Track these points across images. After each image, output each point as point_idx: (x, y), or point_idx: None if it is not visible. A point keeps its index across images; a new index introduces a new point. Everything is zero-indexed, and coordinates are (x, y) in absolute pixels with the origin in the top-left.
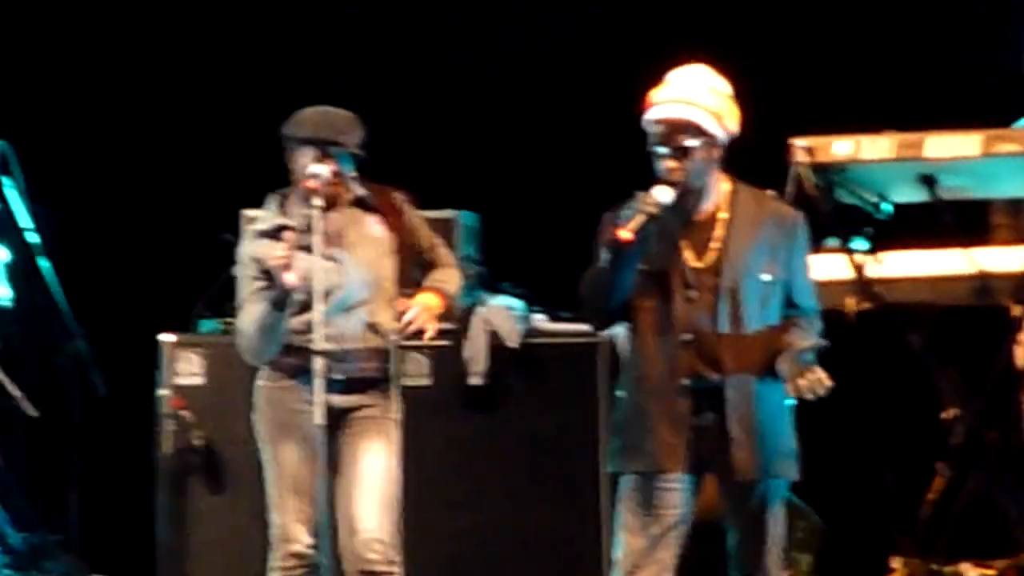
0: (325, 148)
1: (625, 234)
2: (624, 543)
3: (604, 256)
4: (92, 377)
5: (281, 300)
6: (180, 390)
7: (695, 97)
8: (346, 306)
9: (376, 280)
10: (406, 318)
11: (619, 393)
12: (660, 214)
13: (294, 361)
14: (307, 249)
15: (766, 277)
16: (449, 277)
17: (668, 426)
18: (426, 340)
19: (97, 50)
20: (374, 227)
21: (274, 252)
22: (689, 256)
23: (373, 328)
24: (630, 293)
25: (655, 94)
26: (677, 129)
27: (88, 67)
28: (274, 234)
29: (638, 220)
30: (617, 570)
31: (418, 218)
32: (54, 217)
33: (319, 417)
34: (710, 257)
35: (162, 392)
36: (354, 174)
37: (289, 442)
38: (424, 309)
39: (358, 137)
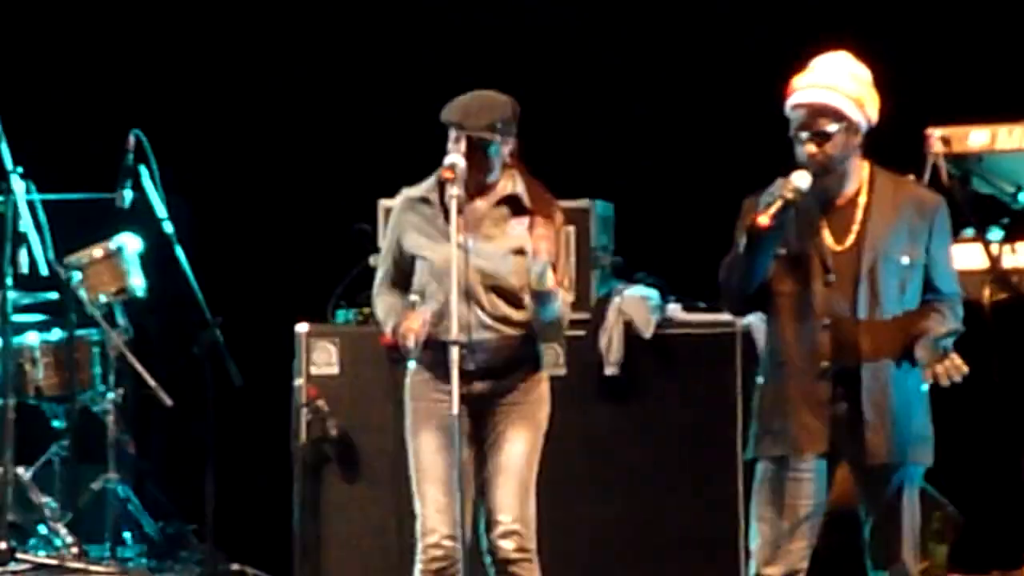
0: (458, 131)
1: (763, 219)
2: (759, 533)
3: (742, 242)
4: (228, 367)
5: (398, 358)
6: (316, 380)
7: (836, 83)
8: (470, 297)
9: (496, 278)
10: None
11: (758, 379)
12: (798, 199)
13: (428, 352)
14: (444, 234)
15: (905, 260)
16: (567, 299)
17: (808, 410)
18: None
19: (234, 38)
20: (515, 227)
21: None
22: (828, 240)
23: (498, 319)
24: (768, 278)
25: (797, 80)
26: (818, 114)
27: (225, 56)
28: (416, 204)
29: (777, 205)
30: (753, 561)
31: (566, 243)
32: (191, 206)
33: (455, 407)
34: (849, 241)
35: (298, 382)
36: (497, 160)
37: (427, 433)
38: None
39: (493, 120)
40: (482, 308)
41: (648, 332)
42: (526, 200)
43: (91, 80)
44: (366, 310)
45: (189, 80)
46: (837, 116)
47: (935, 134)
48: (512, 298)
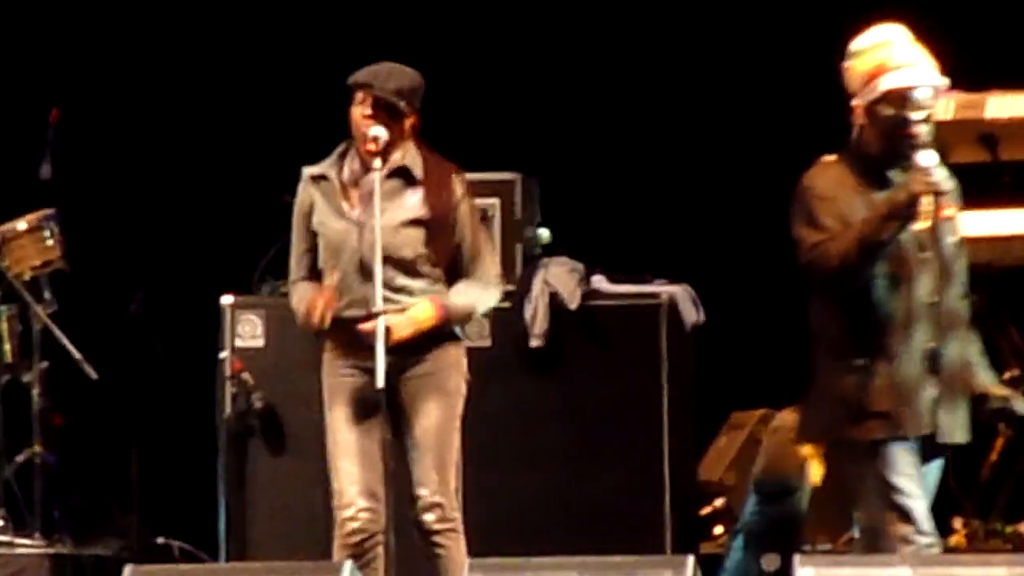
0: (363, 91)
1: (950, 212)
2: (913, 508)
3: (868, 230)
4: (153, 340)
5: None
6: (241, 352)
7: (931, 62)
8: (369, 271)
9: (397, 249)
10: (387, 324)
11: (857, 362)
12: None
13: (333, 329)
14: (341, 210)
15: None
16: (472, 292)
17: (918, 391)
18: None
19: (157, 6)
20: (411, 198)
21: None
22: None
23: (396, 290)
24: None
25: (898, 58)
26: (934, 93)
27: (146, 28)
28: (317, 181)
29: (938, 197)
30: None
31: (470, 213)
32: (115, 180)
33: (379, 381)
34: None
35: (223, 354)
36: (402, 130)
37: (338, 407)
38: (408, 323)
39: (400, 85)
40: (382, 282)
41: (573, 304)
42: (418, 172)
43: (6, 56)
44: None
45: (112, 51)
46: (938, 93)
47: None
48: (410, 269)
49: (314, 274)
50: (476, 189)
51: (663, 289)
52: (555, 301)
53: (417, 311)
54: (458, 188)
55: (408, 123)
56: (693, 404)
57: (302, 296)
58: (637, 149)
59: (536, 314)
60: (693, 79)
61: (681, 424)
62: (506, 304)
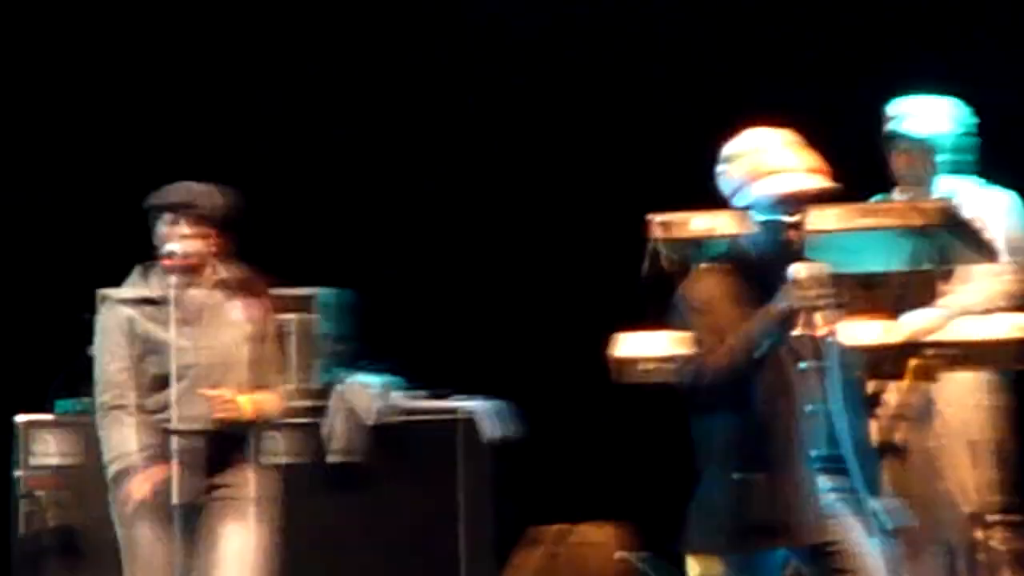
0: (178, 213)
1: (824, 331)
2: None
3: (755, 329)
4: None
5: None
6: (36, 471)
7: (819, 165)
8: (199, 387)
9: (228, 364)
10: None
11: (734, 475)
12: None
13: (156, 440)
14: (169, 323)
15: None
16: (271, 401)
17: (799, 501)
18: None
19: None
20: (235, 311)
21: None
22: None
23: (233, 406)
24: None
25: (776, 162)
26: (810, 199)
27: None
28: (136, 303)
29: (822, 309)
30: None
31: (277, 325)
32: None
33: (175, 497)
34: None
35: (17, 473)
36: (219, 249)
37: (145, 523)
38: (237, 407)
39: (215, 205)
40: (199, 397)
41: (370, 419)
42: (237, 284)
43: None
44: (87, 399)
45: None
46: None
47: (655, 219)
48: (241, 384)
49: (127, 402)
50: (279, 304)
51: (461, 405)
52: (353, 417)
53: (249, 402)
54: (271, 301)
55: (223, 240)
56: (492, 519)
57: (120, 444)
58: (444, 261)
59: (334, 430)
60: (491, 200)
61: (479, 540)
62: (306, 420)
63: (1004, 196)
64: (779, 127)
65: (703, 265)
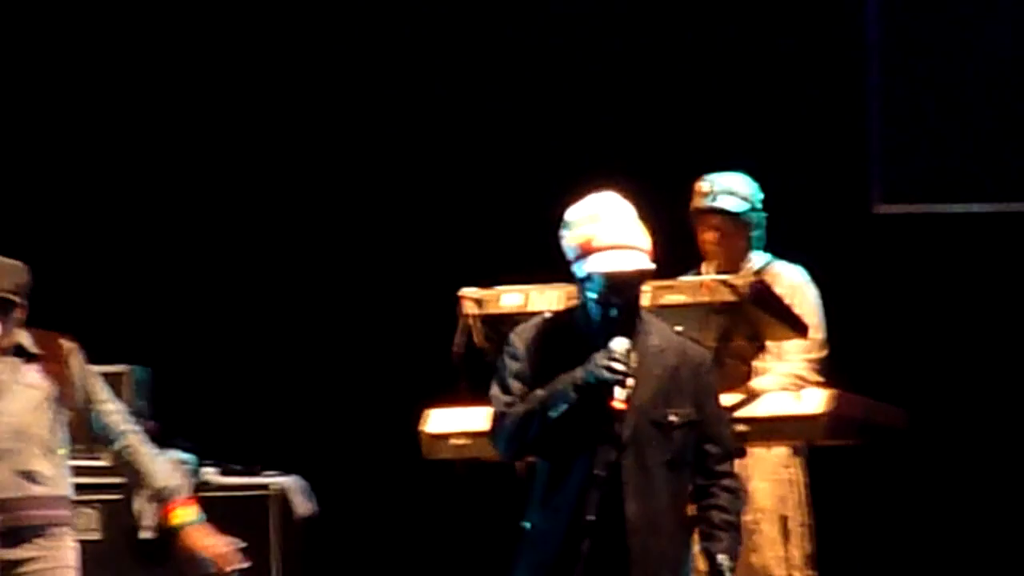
0: None
1: (620, 405)
2: None
3: (548, 401)
4: None
5: None
6: None
7: (644, 244)
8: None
9: (26, 430)
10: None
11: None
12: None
13: None
14: None
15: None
16: (150, 457)
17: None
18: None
19: None
20: (32, 375)
21: None
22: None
23: (29, 476)
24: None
25: (598, 238)
26: (639, 280)
27: None
28: None
29: (623, 384)
30: None
31: (86, 367)
32: None
33: None
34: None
35: None
36: (14, 320)
37: None
38: (205, 531)
39: (13, 282)
40: (8, 467)
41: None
42: (34, 348)
43: None
44: None
45: None
46: (646, 279)
47: (469, 295)
48: (43, 452)
49: None
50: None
51: (273, 480)
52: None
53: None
54: (72, 360)
55: (18, 314)
56: None
57: None
58: (248, 341)
59: (145, 506)
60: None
61: None
62: (118, 496)
63: (800, 270)
64: (616, 192)
65: (546, 313)
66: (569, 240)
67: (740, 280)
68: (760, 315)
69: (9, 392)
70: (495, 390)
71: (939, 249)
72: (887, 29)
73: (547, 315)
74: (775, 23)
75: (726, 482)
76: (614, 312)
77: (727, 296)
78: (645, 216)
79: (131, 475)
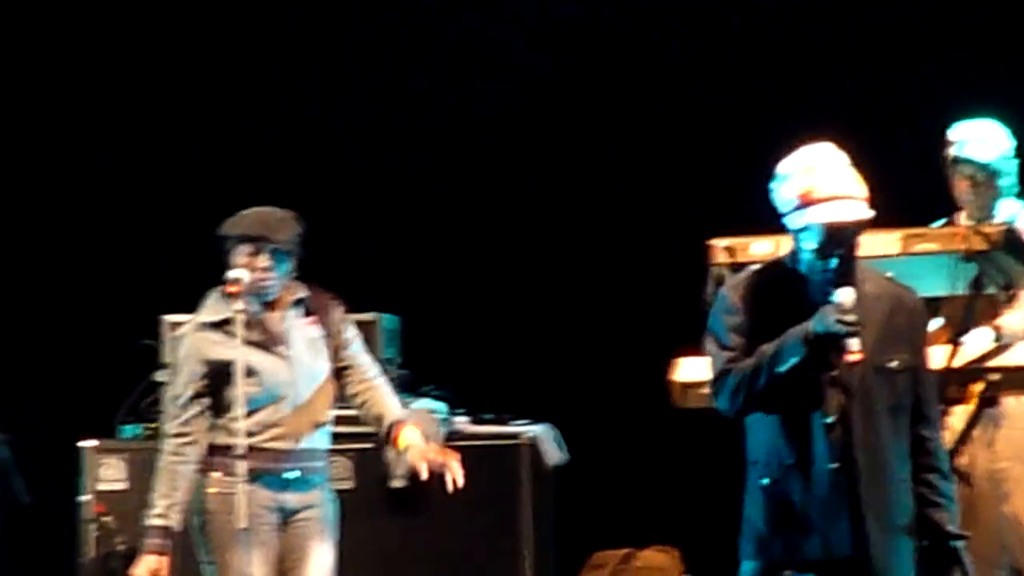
0: (257, 244)
1: (855, 356)
2: None
3: (789, 352)
4: (14, 484)
5: None
6: (102, 496)
7: (861, 192)
8: (296, 405)
9: (318, 379)
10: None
11: (763, 481)
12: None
13: (252, 463)
14: (258, 346)
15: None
16: (389, 394)
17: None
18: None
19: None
20: (311, 328)
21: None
22: None
23: (321, 426)
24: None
25: (816, 190)
26: (851, 230)
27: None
28: (219, 325)
29: (857, 334)
30: None
31: (346, 321)
32: None
33: (274, 518)
34: None
35: (84, 498)
36: (292, 274)
37: (245, 547)
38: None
39: (292, 234)
40: (308, 416)
41: (436, 444)
42: (311, 302)
43: None
44: (153, 425)
45: None
46: (863, 227)
47: (719, 244)
48: (330, 401)
49: (197, 429)
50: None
51: (524, 429)
52: None
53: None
54: (339, 314)
55: (295, 263)
56: (555, 543)
57: (170, 492)
58: (498, 291)
59: (397, 455)
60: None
61: (543, 564)
62: (368, 445)
63: None
64: (834, 144)
65: (755, 265)
66: (785, 192)
67: (992, 228)
68: (1012, 263)
69: (299, 344)
70: (712, 347)
71: None
72: None
73: (756, 267)
74: None
75: (937, 435)
76: (833, 262)
77: (979, 244)
78: (873, 166)
79: (370, 420)
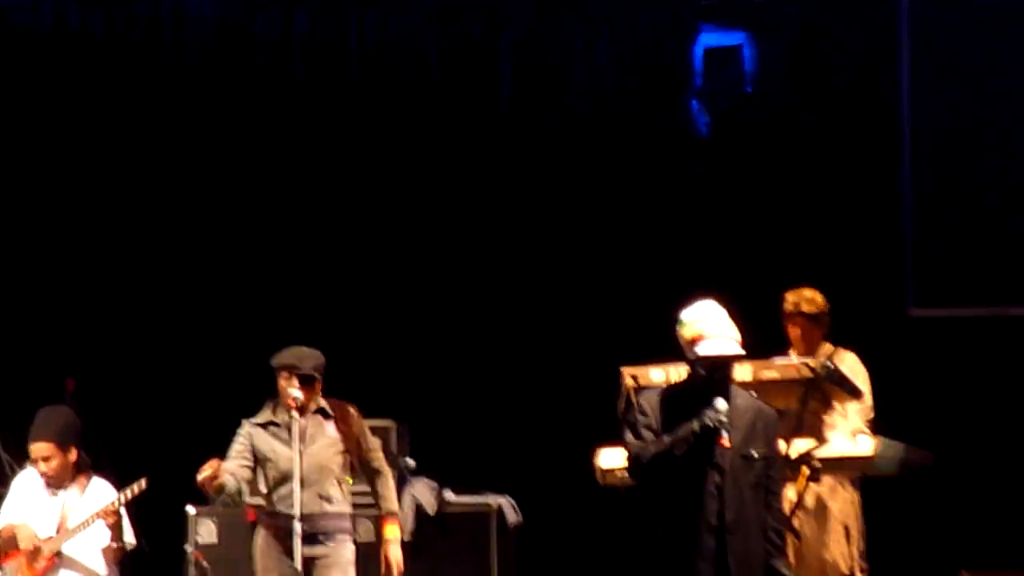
0: (292, 371)
1: (726, 443)
2: None
3: (674, 443)
4: (139, 538)
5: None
6: (200, 547)
7: (735, 334)
8: (307, 484)
9: (327, 467)
10: (394, 561)
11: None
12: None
13: (277, 523)
14: (286, 442)
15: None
16: (389, 490)
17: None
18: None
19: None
20: (330, 429)
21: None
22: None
23: (325, 498)
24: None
25: (706, 329)
26: (732, 360)
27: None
28: (264, 426)
29: (728, 428)
30: None
31: (364, 426)
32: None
33: (297, 563)
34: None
35: (188, 548)
36: (316, 390)
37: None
38: (397, 546)
39: (316, 364)
40: (314, 491)
41: (432, 511)
42: (330, 410)
43: None
44: (237, 498)
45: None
46: (736, 359)
47: (626, 371)
48: (335, 482)
49: (235, 470)
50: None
51: (492, 499)
52: (419, 509)
53: (393, 532)
54: (354, 418)
55: (319, 386)
56: None
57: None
58: (481, 399)
59: (406, 517)
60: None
61: None
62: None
63: (855, 356)
64: (716, 301)
65: (658, 388)
66: (684, 332)
67: (816, 362)
68: (830, 386)
69: (314, 440)
70: (629, 438)
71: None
72: (919, 138)
73: (663, 386)
74: (813, 141)
75: (779, 503)
76: (714, 382)
77: (807, 373)
78: (735, 316)
79: (375, 497)
